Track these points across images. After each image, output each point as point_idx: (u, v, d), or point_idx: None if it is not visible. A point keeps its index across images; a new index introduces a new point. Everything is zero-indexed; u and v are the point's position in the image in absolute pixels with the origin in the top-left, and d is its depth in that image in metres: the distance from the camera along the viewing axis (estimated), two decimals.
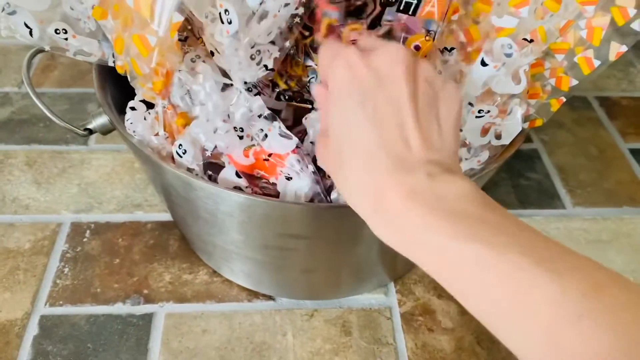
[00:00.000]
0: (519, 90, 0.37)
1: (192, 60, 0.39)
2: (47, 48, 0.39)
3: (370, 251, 0.44)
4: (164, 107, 0.39)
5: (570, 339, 0.23)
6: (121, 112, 0.42)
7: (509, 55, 0.36)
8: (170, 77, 0.38)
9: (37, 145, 0.62)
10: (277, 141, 0.38)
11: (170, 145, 0.39)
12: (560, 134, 0.69)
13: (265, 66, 0.36)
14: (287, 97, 0.42)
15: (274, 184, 0.39)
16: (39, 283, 0.49)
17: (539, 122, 0.41)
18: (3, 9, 0.35)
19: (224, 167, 0.39)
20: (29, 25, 0.37)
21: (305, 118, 0.39)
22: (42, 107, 0.42)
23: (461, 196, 0.27)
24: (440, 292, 0.50)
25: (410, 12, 0.35)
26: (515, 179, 0.63)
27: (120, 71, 0.38)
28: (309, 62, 0.40)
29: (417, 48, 0.37)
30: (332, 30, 0.36)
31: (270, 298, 0.50)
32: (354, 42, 0.35)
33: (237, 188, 0.38)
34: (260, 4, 0.32)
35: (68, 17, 0.39)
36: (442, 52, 0.38)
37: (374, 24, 0.36)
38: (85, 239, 0.53)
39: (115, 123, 0.40)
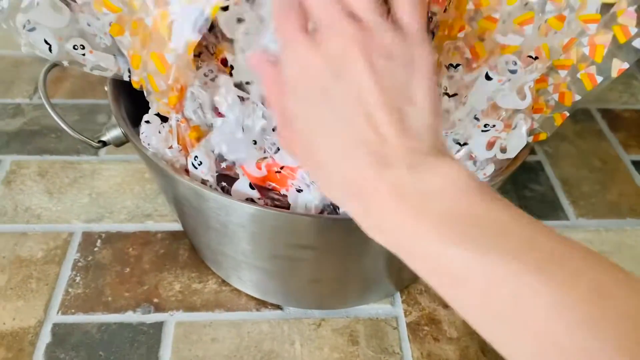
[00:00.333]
0: (524, 106, 0.38)
1: (206, 75, 0.41)
2: (65, 63, 0.40)
3: (377, 262, 0.45)
4: (178, 120, 0.40)
5: (567, 347, 0.22)
6: (134, 124, 0.43)
7: (513, 72, 0.37)
8: (184, 91, 0.39)
9: (48, 156, 0.63)
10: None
11: (184, 158, 0.40)
12: (563, 146, 0.70)
13: None
14: None
15: (285, 196, 0.40)
16: (52, 291, 0.50)
17: (542, 136, 0.42)
18: (24, 26, 0.37)
19: (237, 178, 0.40)
20: (48, 41, 0.38)
21: None
22: (59, 120, 0.43)
23: (448, 188, 0.25)
24: (446, 302, 0.51)
25: None
26: (519, 191, 0.64)
27: (135, 86, 0.39)
28: None
29: None
30: None
31: (278, 307, 0.50)
32: None
33: (250, 199, 0.39)
34: None
35: (85, 33, 0.41)
36: (447, 68, 0.39)
37: None
38: (96, 248, 0.54)
39: (130, 136, 0.41)
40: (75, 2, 0.40)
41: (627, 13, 0.37)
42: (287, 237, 0.40)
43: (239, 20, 0.33)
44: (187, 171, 0.40)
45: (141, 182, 0.61)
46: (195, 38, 0.33)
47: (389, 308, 0.51)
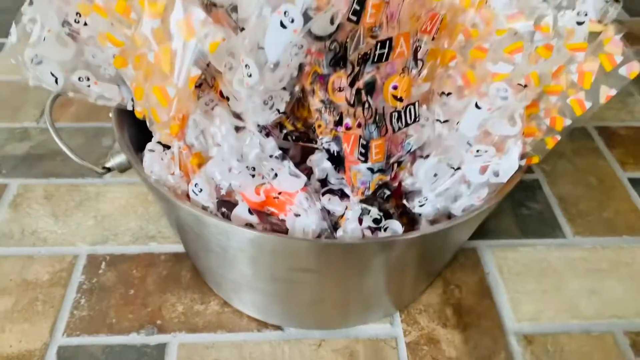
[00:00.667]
0: (514, 132, 0.39)
1: (206, 104, 0.42)
2: (70, 94, 0.41)
3: (376, 283, 0.46)
4: (180, 148, 0.41)
5: None
6: (139, 148, 0.44)
7: (504, 99, 0.38)
8: (186, 120, 0.40)
9: (54, 179, 0.64)
10: (287, 180, 0.40)
11: (185, 184, 0.42)
12: (560, 164, 0.71)
13: (278, 110, 0.39)
14: (294, 138, 0.44)
15: (283, 221, 0.41)
16: (57, 314, 0.51)
17: (535, 160, 0.43)
18: (32, 60, 0.38)
19: (237, 204, 0.41)
20: (54, 74, 0.40)
21: (310, 159, 0.41)
22: (64, 147, 0.44)
23: None
24: (445, 322, 0.52)
25: (383, 60, 0.37)
26: (516, 209, 0.64)
27: (139, 116, 0.41)
28: (315, 104, 0.43)
29: (395, 87, 0.38)
30: (319, 78, 0.38)
31: (279, 328, 0.51)
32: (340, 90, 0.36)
33: (249, 224, 0.40)
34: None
35: (90, 65, 0.42)
36: (440, 95, 0.41)
37: (355, 79, 0.37)
38: (100, 271, 0.55)
39: (133, 163, 0.43)
40: (80, 35, 0.42)
41: (614, 42, 0.38)
42: (286, 261, 0.41)
43: (230, 54, 0.35)
44: (188, 197, 0.41)
45: (145, 203, 0.62)
46: (196, 72, 0.34)
47: (389, 328, 0.52)
